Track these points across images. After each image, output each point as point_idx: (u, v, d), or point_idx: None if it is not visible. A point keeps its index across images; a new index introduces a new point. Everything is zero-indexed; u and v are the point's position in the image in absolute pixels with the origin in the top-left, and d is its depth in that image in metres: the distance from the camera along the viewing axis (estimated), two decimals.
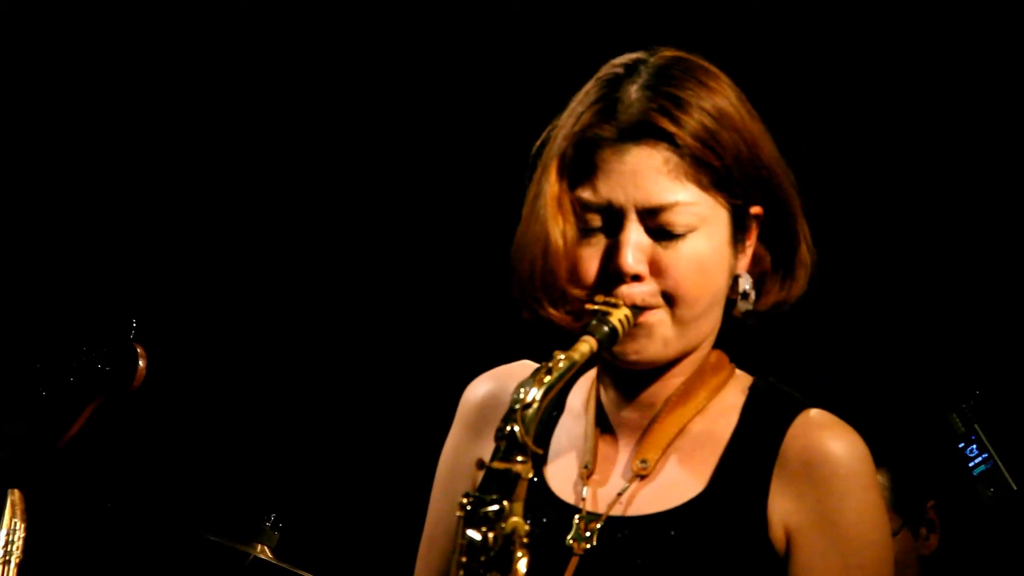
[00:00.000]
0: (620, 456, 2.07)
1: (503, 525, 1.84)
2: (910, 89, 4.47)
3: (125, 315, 3.09)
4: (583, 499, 2.05)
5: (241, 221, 4.93)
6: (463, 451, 2.16)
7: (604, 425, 2.09)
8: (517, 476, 1.84)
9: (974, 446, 3.84)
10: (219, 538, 4.05)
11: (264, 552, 4.05)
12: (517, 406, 1.85)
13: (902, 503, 4.00)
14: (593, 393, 2.11)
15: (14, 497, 3.18)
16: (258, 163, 4.92)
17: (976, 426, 3.84)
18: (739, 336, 2.33)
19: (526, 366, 2.13)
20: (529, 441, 1.85)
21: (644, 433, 2.06)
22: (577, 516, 2.04)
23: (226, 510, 4.50)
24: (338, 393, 4.80)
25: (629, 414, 2.07)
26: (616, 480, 2.06)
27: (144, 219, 4.91)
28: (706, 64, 2.05)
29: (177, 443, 4.77)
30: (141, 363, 3.02)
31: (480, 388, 2.18)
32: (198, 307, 4.90)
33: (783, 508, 1.99)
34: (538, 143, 2.06)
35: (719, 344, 2.15)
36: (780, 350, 4.34)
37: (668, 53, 2.05)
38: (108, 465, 4.57)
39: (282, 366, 4.91)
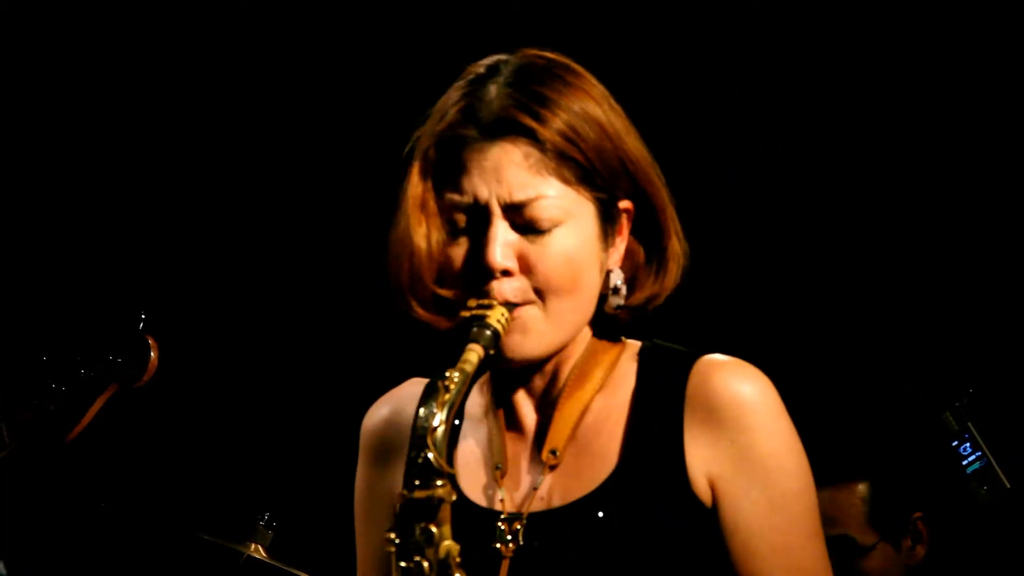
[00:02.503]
0: (528, 451, 2.07)
1: (436, 551, 1.84)
2: (914, 86, 4.48)
3: (133, 308, 3.10)
4: (501, 501, 2.06)
5: (238, 222, 4.95)
6: (375, 481, 2.15)
7: (507, 424, 2.09)
8: (440, 500, 1.85)
9: (967, 445, 3.85)
10: (213, 537, 4.05)
11: (258, 551, 4.06)
12: (425, 432, 1.85)
13: (879, 517, 3.98)
14: (490, 395, 2.11)
15: None
16: (260, 165, 4.94)
17: (970, 425, 3.84)
18: (726, 333, 2.34)
19: (415, 384, 2.15)
20: (444, 464, 1.85)
21: (548, 423, 2.06)
22: (499, 519, 2.04)
23: (220, 509, 4.52)
24: (332, 392, 4.78)
25: (529, 408, 2.08)
26: (528, 475, 2.06)
27: (144, 215, 4.92)
28: (568, 62, 2.05)
29: (171, 443, 4.78)
30: (153, 354, 3.05)
31: (376, 416, 2.18)
32: (190, 307, 4.90)
33: (700, 457, 2.00)
34: (408, 146, 2.06)
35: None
36: (771, 351, 4.37)
37: (531, 52, 2.06)
38: (102, 464, 4.57)
39: (276, 365, 4.92)
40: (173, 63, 4.88)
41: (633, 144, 2.05)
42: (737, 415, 2.00)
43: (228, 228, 4.98)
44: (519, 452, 2.08)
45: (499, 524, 2.03)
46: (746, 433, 1.99)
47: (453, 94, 2.03)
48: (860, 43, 4.48)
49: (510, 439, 2.09)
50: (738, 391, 2.01)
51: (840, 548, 3.84)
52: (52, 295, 4.83)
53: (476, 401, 2.12)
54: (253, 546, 4.07)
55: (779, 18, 4.51)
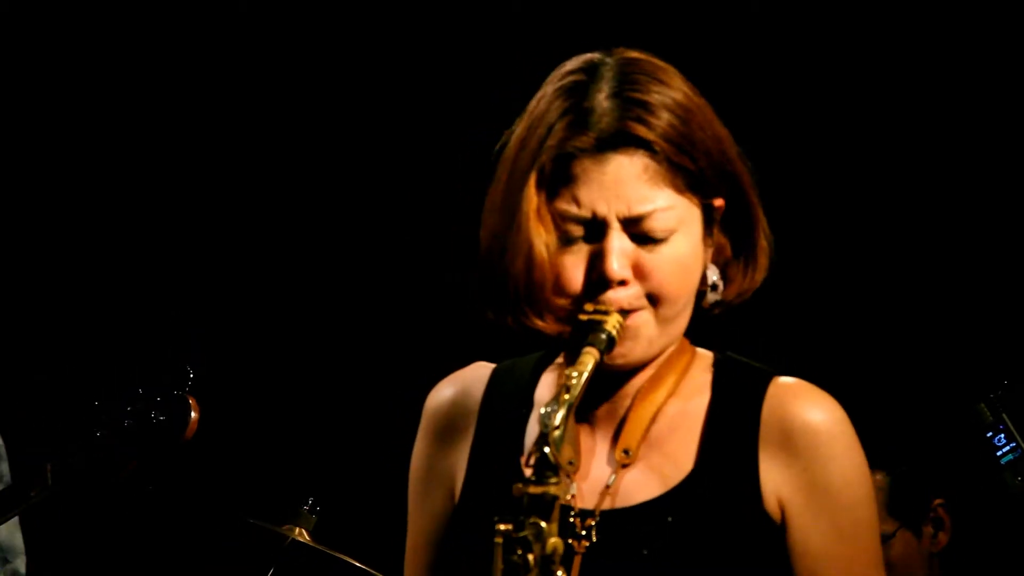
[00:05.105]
0: (600, 448, 2.08)
1: (544, 547, 1.85)
2: (921, 82, 4.52)
3: (183, 364, 3.19)
4: (573, 496, 2.05)
5: (288, 207, 5.01)
6: (434, 461, 2.16)
7: (580, 418, 2.08)
8: (555, 498, 1.86)
9: (1002, 435, 3.84)
10: (259, 521, 4.09)
11: (302, 535, 4.09)
12: (547, 430, 1.87)
13: (898, 506, 4.05)
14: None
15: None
16: (310, 161, 5.01)
17: (1004, 416, 3.84)
18: (755, 327, 2.37)
19: (481, 367, 2.18)
20: (563, 462, 1.87)
21: (622, 423, 2.07)
22: (571, 514, 2.03)
23: (265, 494, 4.56)
24: (375, 377, 4.84)
25: (603, 406, 2.08)
26: (600, 473, 2.06)
27: (195, 231, 5.02)
28: (661, 63, 2.05)
29: (218, 430, 4.82)
30: (193, 415, 3.15)
31: (442, 395, 2.17)
32: (239, 292, 4.96)
33: (773, 479, 2.02)
34: (497, 147, 2.05)
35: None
36: (807, 344, 4.39)
37: (626, 55, 2.04)
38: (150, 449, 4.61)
39: (320, 352, 4.96)
40: (226, 102, 4.94)
41: (729, 143, 2.06)
42: (812, 443, 2.02)
43: (278, 213, 5.04)
44: (590, 448, 2.08)
45: (572, 519, 2.03)
46: (820, 462, 2.02)
47: (556, 103, 2.01)
48: (868, 44, 4.53)
49: (581, 433, 2.09)
50: (815, 420, 2.03)
51: None
52: (112, 347, 4.89)
53: (547, 394, 2.11)
54: (297, 530, 4.09)
55: (780, 19, 4.54)
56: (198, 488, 4.73)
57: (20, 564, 3.70)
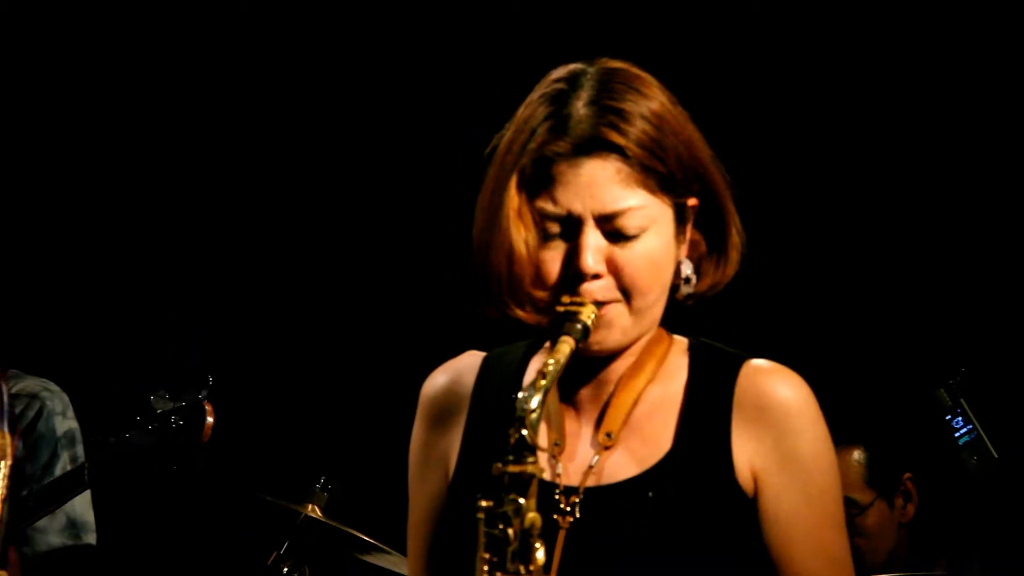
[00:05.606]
0: (584, 430, 2.20)
1: (522, 521, 1.97)
2: (907, 77, 4.62)
3: (203, 374, 3.49)
4: (558, 475, 2.17)
5: (279, 223, 5.10)
6: (431, 444, 2.27)
7: (566, 403, 2.21)
8: (532, 476, 1.99)
9: (960, 418, 4.02)
10: (273, 498, 4.18)
11: (315, 511, 4.18)
12: (524, 413, 1.99)
13: (876, 478, 4.25)
14: None
15: (3, 440, 3.63)
16: (320, 164, 5.10)
17: (962, 400, 4.02)
18: (730, 314, 2.58)
19: (472, 355, 2.30)
20: (537, 443, 1.99)
21: (604, 408, 2.19)
22: (556, 492, 2.16)
23: (280, 473, 4.65)
24: (380, 367, 4.94)
25: (588, 391, 2.20)
26: (584, 453, 2.18)
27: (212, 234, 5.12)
28: (640, 72, 2.17)
29: (235, 415, 4.99)
30: (209, 419, 3.46)
31: (436, 383, 2.29)
32: (253, 276, 5.05)
33: (746, 452, 2.15)
34: (488, 149, 2.17)
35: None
36: (774, 328, 4.44)
37: (606, 65, 2.17)
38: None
39: (329, 346, 5.07)
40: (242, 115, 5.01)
41: (701, 147, 2.17)
42: (783, 417, 2.15)
43: (279, 213, 5.12)
44: (575, 430, 2.19)
45: (556, 496, 2.15)
46: (790, 434, 2.15)
47: (539, 110, 2.13)
48: (868, 46, 4.62)
49: (567, 417, 2.20)
50: (785, 396, 2.16)
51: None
52: (112, 348, 5.03)
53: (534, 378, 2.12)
54: (310, 507, 4.19)
55: (778, 20, 4.62)
56: (216, 468, 4.76)
57: (92, 539, 3.92)
